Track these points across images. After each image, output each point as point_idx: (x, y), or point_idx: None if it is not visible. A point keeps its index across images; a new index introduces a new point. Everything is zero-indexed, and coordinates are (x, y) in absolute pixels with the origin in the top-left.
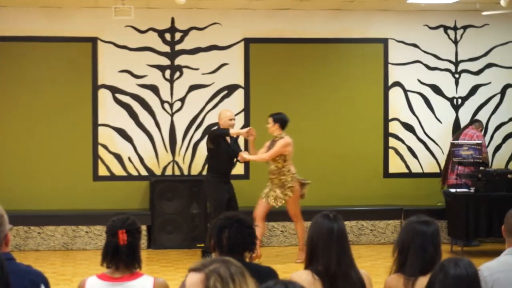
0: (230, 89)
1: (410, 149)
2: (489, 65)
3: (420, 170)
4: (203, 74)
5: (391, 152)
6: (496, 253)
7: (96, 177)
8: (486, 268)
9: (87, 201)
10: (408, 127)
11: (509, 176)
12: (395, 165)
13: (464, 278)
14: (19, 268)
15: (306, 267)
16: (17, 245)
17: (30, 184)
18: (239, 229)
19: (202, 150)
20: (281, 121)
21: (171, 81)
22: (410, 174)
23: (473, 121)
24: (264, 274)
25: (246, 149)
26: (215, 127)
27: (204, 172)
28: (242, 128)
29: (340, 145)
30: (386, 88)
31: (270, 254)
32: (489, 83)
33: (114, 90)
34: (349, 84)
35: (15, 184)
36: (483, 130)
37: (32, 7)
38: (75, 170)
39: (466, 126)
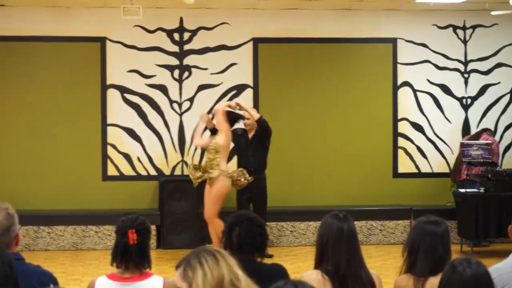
0: (239, 89)
1: (419, 149)
2: (499, 65)
3: (429, 170)
4: (211, 74)
5: (400, 152)
6: (506, 254)
7: (105, 177)
8: (495, 270)
9: (96, 201)
10: (417, 127)
11: None
12: (405, 165)
13: (478, 277)
14: (28, 268)
15: (316, 267)
16: (26, 244)
17: (40, 184)
18: (249, 227)
19: None
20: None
21: (180, 81)
22: (419, 174)
23: (484, 129)
24: (275, 274)
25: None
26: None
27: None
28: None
29: (349, 145)
30: (395, 88)
31: (279, 254)
32: (499, 83)
33: (123, 90)
34: (358, 84)
35: (24, 184)
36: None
37: (40, 7)
38: (84, 170)
39: (480, 133)
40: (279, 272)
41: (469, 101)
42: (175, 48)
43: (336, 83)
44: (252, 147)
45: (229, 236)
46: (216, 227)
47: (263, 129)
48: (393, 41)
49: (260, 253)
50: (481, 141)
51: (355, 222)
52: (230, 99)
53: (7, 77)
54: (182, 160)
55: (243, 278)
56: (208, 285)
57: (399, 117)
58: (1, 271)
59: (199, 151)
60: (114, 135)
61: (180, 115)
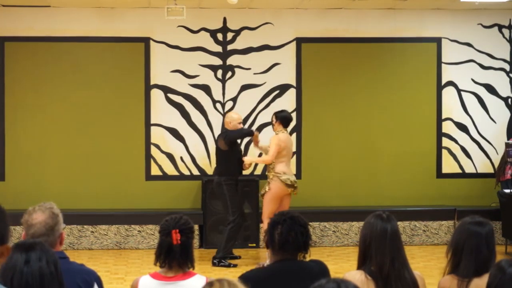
0: (282, 89)
1: (463, 149)
2: None
3: (473, 171)
4: (255, 74)
5: (444, 152)
6: None
7: (149, 177)
8: None
9: (140, 200)
10: (462, 127)
11: None
12: (449, 165)
13: None
14: (72, 267)
15: (359, 267)
16: (70, 243)
17: (83, 184)
18: (292, 226)
19: (254, 150)
20: (282, 118)
21: (223, 81)
22: (463, 175)
23: None
24: (317, 272)
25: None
26: (227, 130)
27: (257, 172)
28: (292, 129)
29: (393, 145)
30: (439, 88)
31: (322, 255)
32: None
33: (166, 90)
34: (401, 83)
35: (68, 183)
36: None
37: (85, 8)
38: (128, 169)
39: None
40: (321, 270)
41: None
42: (219, 48)
43: (379, 83)
44: (240, 155)
45: (271, 234)
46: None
47: None
48: (438, 41)
49: (303, 252)
50: None
51: (398, 223)
52: (273, 99)
53: (52, 77)
54: None
55: None
56: None
57: (443, 117)
58: (46, 270)
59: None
60: (158, 135)
61: (223, 115)
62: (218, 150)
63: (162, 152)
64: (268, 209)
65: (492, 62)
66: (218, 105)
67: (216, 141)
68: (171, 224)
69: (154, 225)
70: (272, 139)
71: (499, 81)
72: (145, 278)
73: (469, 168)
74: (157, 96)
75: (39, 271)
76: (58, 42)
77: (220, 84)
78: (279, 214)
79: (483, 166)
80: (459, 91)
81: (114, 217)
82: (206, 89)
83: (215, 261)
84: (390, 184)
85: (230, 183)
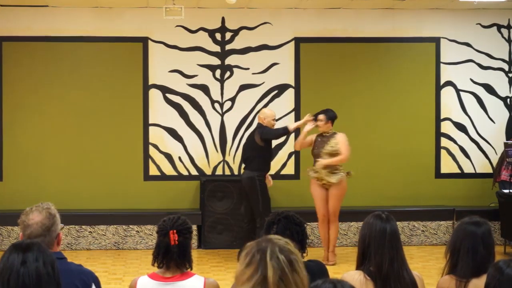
0: (281, 88)
1: (462, 149)
2: None
3: (472, 171)
4: (253, 73)
5: (443, 152)
6: None
7: (147, 177)
8: None
9: (138, 200)
10: (461, 127)
11: None
12: (447, 166)
13: None
14: (70, 267)
15: (358, 268)
16: (68, 244)
17: (82, 184)
18: (287, 225)
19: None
20: (334, 118)
21: (222, 80)
22: (462, 175)
23: None
24: (315, 271)
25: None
26: (264, 127)
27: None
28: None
29: (392, 145)
30: (438, 88)
31: (321, 255)
32: None
33: (164, 90)
34: (400, 83)
35: (66, 183)
36: None
37: (83, 7)
38: (126, 170)
39: None
40: (319, 270)
41: None
42: (217, 48)
43: (378, 83)
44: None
45: (267, 234)
46: (337, 226)
47: None
48: (436, 41)
49: (300, 251)
50: None
51: (397, 223)
52: (272, 99)
53: (51, 77)
54: (223, 160)
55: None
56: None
57: (442, 117)
58: (43, 270)
59: (240, 151)
60: (156, 135)
61: (222, 115)
62: (253, 144)
63: (161, 152)
64: (339, 207)
65: (491, 62)
66: (217, 105)
67: (251, 136)
68: (168, 224)
69: (153, 225)
70: (342, 136)
71: (498, 81)
72: (143, 278)
73: (468, 168)
74: (155, 96)
75: (36, 272)
76: (56, 42)
77: (218, 84)
78: (274, 214)
79: (482, 166)
80: (458, 91)
81: (112, 217)
82: (204, 89)
83: None
84: (388, 184)
85: (262, 179)
